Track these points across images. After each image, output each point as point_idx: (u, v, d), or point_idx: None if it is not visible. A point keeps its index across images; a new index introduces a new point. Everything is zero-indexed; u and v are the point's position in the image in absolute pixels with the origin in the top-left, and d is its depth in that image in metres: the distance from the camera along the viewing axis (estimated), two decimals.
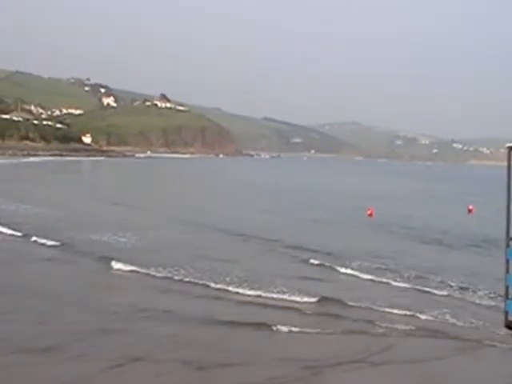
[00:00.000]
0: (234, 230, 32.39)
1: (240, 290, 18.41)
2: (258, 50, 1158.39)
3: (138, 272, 20.78)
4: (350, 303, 17.46)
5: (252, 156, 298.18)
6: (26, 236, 27.17)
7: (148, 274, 20.43)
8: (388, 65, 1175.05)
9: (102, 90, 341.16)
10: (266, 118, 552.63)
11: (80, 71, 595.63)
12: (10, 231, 28.26)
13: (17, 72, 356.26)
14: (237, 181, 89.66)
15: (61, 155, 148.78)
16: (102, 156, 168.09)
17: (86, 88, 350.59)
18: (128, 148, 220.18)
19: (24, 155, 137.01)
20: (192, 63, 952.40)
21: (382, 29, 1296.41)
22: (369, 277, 21.53)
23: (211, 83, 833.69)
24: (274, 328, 14.66)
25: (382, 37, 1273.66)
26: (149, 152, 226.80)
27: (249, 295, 18.08)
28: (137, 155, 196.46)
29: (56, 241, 25.88)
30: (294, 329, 14.66)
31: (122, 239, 27.54)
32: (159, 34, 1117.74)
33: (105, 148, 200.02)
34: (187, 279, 19.71)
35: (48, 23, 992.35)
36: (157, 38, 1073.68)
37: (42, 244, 25.66)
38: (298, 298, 17.77)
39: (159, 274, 20.36)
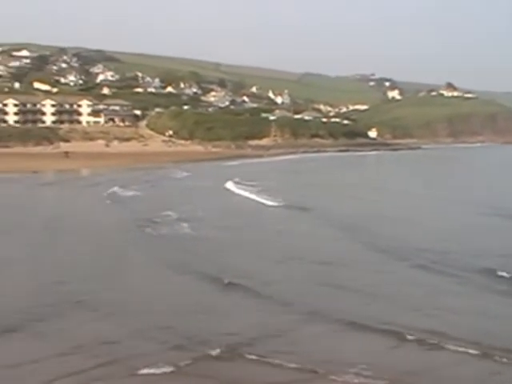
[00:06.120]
0: None
1: None
2: None
3: None
4: None
5: None
6: None
7: None
8: None
9: (387, 84, 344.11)
10: None
11: (364, 67, 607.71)
12: None
13: (306, 74, 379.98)
14: None
15: (347, 150, 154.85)
16: (387, 149, 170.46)
17: (371, 83, 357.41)
18: (413, 140, 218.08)
19: (314, 151, 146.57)
20: (480, 50, 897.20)
21: None
22: None
23: (499, 66, 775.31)
24: None
25: None
26: (433, 143, 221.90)
27: None
28: (423, 146, 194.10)
29: None
30: None
31: None
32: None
33: (389, 141, 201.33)
34: None
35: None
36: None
37: None
38: None
39: None
